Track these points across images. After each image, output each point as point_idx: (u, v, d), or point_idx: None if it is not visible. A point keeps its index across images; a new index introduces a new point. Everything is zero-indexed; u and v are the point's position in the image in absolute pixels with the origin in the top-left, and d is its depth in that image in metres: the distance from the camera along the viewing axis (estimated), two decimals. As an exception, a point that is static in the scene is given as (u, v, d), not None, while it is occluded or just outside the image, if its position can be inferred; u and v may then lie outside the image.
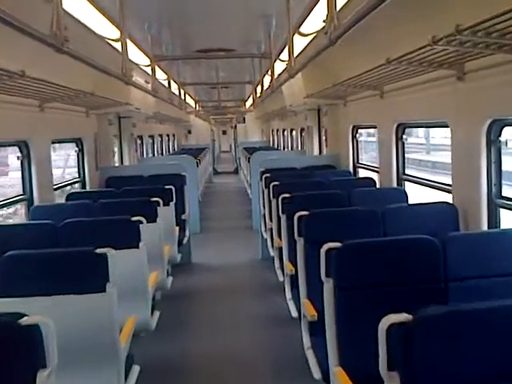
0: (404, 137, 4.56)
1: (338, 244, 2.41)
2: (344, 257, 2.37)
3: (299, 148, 10.45)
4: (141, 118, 9.16)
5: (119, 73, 4.39)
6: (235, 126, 21.61)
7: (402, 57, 3.12)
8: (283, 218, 4.05)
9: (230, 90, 9.92)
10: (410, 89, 4.13)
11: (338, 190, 4.28)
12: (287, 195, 4.09)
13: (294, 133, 12.05)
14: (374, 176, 5.60)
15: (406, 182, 4.64)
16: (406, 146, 4.59)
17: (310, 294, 3.09)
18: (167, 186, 5.29)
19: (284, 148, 13.78)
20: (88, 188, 6.02)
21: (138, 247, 3.42)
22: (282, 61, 6.32)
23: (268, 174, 5.92)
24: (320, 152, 8.42)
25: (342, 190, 4.29)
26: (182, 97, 8.47)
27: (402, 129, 4.58)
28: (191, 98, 9.66)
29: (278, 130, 15.33)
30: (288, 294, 3.85)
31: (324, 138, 7.33)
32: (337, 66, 5.68)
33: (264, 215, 6.06)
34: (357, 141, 6.18)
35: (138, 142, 10.11)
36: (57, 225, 3.48)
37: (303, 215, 3.25)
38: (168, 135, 15.07)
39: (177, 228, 5.43)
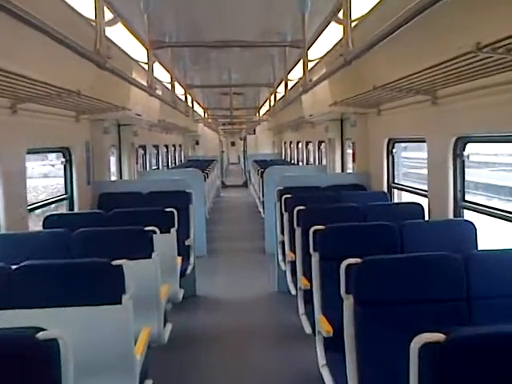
0: (465, 154, 3.64)
1: (358, 260, 2.38)
2: (364, 273, 2.35)
3: (316, 162, 9.53)
4: (143, 126, 8.30)
5: (115, 67, 3.56)
6: (245, 138, 20.75)
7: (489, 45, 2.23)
8: (298, 231, 4.00)
9: (242, 97, 9.01)
10: (474, 93, 3.23)
11: (381, 221, 3.36)
12: (302, 207, 4.01)
13: (309, 146, 11.17)
14: (413, 198, 4.70)
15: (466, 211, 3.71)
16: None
17: (325, 309, 3.04)
18: (168, 209, 4.39)
19: (298, 162, 12.87)
20: (76, 207, 5.13)
21: (150, 257, 3.41)
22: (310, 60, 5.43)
23: (288, 195, 5.02)
24: (342, 168, 7.51)
25: (382, 218, 3.49)
26: (189, 103, 7.58)
27: (462, 143, 3.66)
28: (199, 105, 8.77)
29: (291, 143, 14.44)
30: (301, 309, 3.79)
31: (351, 151, 6.42)
32: (372, 69, 4.80)
33: (283, 243, 5.13)
34: (393, 157, 5.25)
35: (141, 152, 9.26)
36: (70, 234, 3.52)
37: (319, 229, 3.21)
38: (174, 146, 14.21)
39: (179, 258, 4.52)
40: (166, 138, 11.98)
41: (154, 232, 3.65)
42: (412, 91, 3.72)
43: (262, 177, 9.18)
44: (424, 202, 4.29)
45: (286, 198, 4.95)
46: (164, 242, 4.06)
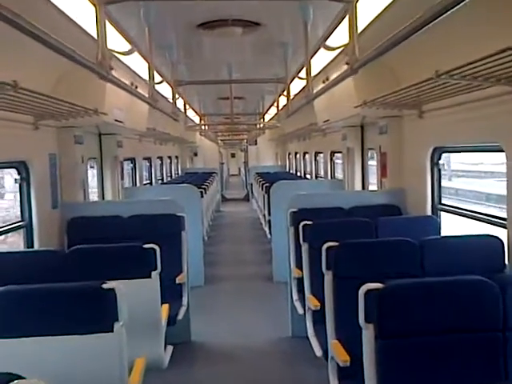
0: None
1: (379, 285, 2.13)
2: (386, 300, 2.11)
3: (328, 176, 8.42)
4: (131, 136, 7.21)
5: (91, 61, 2.65)
6: (246, 149, 19.68)
7: None
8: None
9: (243, 102, 7.86)
10: None
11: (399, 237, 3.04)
12: (308, 222, 3.80)
13: (318, 157, 10.07)
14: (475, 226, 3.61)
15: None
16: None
17: (339, 333, 2.81)
18: (148, 245, 3.26)
19: (305, 175, 11.77)
20: (37, 237, 4.00)
21: (150, 277, 3.13)
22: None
23: (308, 222, 3.93)
24: (363, 184, 6.40)
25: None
26: (181, 108, 6.44)
27: None
28: (194, 111, 7.60)
29: (296, 154, 13.34)
30: (310, 331, 3.55)
31: (376, 163, 5.32)
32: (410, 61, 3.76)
33: (301, 280, 4.03)
34: (439, 170, 4.14)
35: (130, 165, 8.15)
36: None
37: (332, 246, 3.02)
38: (170, 158, 13.11)
39: (165, 307, 3.41)
40: (159, 150, 10.88)
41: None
42: (490, 80, 2.63)
43: (267, 193, 8.07)
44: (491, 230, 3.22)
45: (305, 226, 3.87)
46: (141, 292, 3.00)
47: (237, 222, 12.69)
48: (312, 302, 3.44)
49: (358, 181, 6.40)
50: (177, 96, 5.90)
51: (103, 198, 6.08)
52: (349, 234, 3.23)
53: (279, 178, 10.85)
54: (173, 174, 13.51)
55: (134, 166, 8.17)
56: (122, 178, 6.36)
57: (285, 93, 5.84)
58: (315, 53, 4.78)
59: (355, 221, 3.93)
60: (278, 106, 5.61)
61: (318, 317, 3.24)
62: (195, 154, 17.12)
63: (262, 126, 7.35)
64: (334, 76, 5.03)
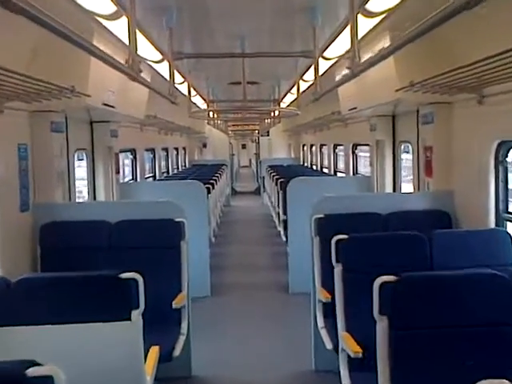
0: None
1: (392, 277, 2.15)
2: (401, 293, 2.15)
3: (350, 172, 7.55)
4: (130, 125, 6.40)
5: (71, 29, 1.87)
6: (258, 140, 18.81)
7: None
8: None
9: (257, 88, 6.93)
10: None
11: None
12: (342, 237, 3.14)
13: (337, 150, 9.21)
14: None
15: None
16: None
17: (349, 326, 2.83)
18: (127, 275, 2.41)
19: (321, 169, 10.90)
20: (-1, 246, 3.23)
21: (129, 318, 2.33)
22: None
23: (341, 236, 3.11)
24: (394, 181, 5.55)
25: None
26: (185, 91, 5.52)
27: None
28: (200, 96, 6.67)
29: (312, 146, 12.47)
30: (320, 323, 3.45)
31: (418, 160, 4.47)
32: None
33: (330, 307, 3.22)
34: (506, 169, 3.28)
35: (129, 157, 7.36)
36: None
37: (341, 239, 3.05)
38: (177, 149, 12.31)
39: (153, 351, 2.61)
40: (165, 141, 10.08)
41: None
42: None
43: (282, 190, 7.24)
44: None
45: (338, 242, 3.07)
46: (117, 339, 2.21)
47: (248, 218, 11.86)
48: (322, 295, 3.40)
49: (389, 179, 5.54)
50: (178, 75, 5.03)
51: (94, 197, 5.29)
52: (397, 253, 2.97)
53: (294, 172, 10.02)
54: (180, 167, 12.72)
55: (135, 158, 7.37)
56: (118, 172, 5.56)
57: (306, 76, 4.98)
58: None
59: (404, 236, 3.15)
60: (298, 90, 4.73)
61: (329, 309, 3.26)
62: (204, 146, 16.30)
63: (278, 113, 6.48)
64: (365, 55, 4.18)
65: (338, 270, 2.98)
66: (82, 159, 5.11)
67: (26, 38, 3.14)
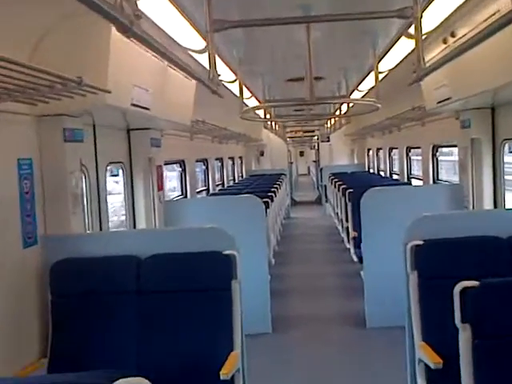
0: None
1: (475, 283, 2.06)
2: (484, 299, 2.05)
3: (430, 179, 6.41)
4: (176, 133, 5.64)
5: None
6: (318, 146, 17.77)
7: None
8: (413, 276, 2.83)
9: (323, 84, 5.94)
10: None
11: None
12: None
13: (410, 153, 8.06)
14: None
15: None
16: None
17: (427, 335, 2.60)
18: None
19: (391, 175, 9.74)
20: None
21: None
22: None
23: (468, 282, 2.14)
24: (495, 192, 4.42)
25: None
26: (235, 88, 4.64)
27: None
28: (252, 93, 5.65)
29: (378, 150, 11.32)
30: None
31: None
32: None
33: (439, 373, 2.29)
34: None
35: (177, 170, 6.63)
36: None
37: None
38: (232, 159, 11.55)
39: None
40: (219, 150, 9.33)
41: None
42: None
43: (351, 201, 6.23)
44: None
45: (464, 291, 2.13)
46: None
47: (310, 232, 10.84)
48: (428, 355, 2.86)
49: (488, 187, 4.41)
50: (226, 68, 4.17)
51: (134, 220, 4.54)
52: (477, 257, 2.67)
53: (360, 180, 8.95)
54: (236, 178, 11.95)
55: (184, 170, 6.62)
56: (161, 189, 4.79)
57: (386, 60, 3.95)
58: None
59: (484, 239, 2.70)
60: (376, 78, 3.72)
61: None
62: (262, 154, 15.47)
63: (347, 110, 5.50)
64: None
65: (412, 277, 2.73)
66: (115, 174, 4.37)
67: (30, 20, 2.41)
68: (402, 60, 4.26)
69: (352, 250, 6.08)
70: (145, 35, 2.01)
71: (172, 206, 4.89)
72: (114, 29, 1.88)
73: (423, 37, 3.67)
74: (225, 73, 4.49)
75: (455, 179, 5.73)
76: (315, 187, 19.31)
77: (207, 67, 2.63)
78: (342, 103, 4.52)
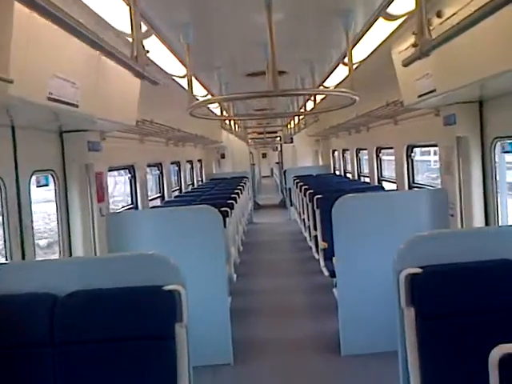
0: None
1: (418, 270, 2.13)
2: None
3: (405, 183, 5.93)
4: (116, 133, 4.92)
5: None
6: (281, 148, 17.26)
7: None
8: (409, 312, 2.34)
9: (285, 78, 5.38)
10: None
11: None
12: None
13: (381, 154, 7.60)
14: None
15: None
16: None
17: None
18: None
19: (359, 177, 9.28)
20: None
21: None
22: None
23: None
24: (486, 197, 3.95)
25: None
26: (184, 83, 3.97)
27: None
28: (206, 89, 4.91)
29: (344, 152, 10.87)
30: None
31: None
32: None
33: None
34: None
35: (126, 176, 5.91)
36: None
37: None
38: (191, 162, 10.86)
39: None
40: (175, 153, 8.62)
41: None
42: None
43: (320, 208, 5.68)
44: None
45: None
46: None
47: (275, 239, 10.26)
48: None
49: (478, 192, 3.93)
50: (173, 58, 3.52)
51: (69, 239, 3.83)
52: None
53: (327, 183, 8.44)
54: (195, 182, 11.26)
55: (133, 176, 5.91)
56: (102, 200, 4.08)
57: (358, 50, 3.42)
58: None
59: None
60: (350, 65, 3.12)
61: None
62: (222, 156, 14.83)
63: (318, 102, 4.92)
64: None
65: (409, 313, 2.21)
66: (43, 185, 3.64)
67: None
68: (379, 46, 3.73)
69: (322, 263, 5.52)
70: (50, 6, 1.36)
71: (116, 219, 4.18)
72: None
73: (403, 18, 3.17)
74: (174, 66, 3.84)
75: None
76: (279, 190, 18.81)
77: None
78: (310, 95, 3.93)
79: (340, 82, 5.08)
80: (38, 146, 3.51)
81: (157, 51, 3.35)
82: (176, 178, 9.42)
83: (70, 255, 3.85)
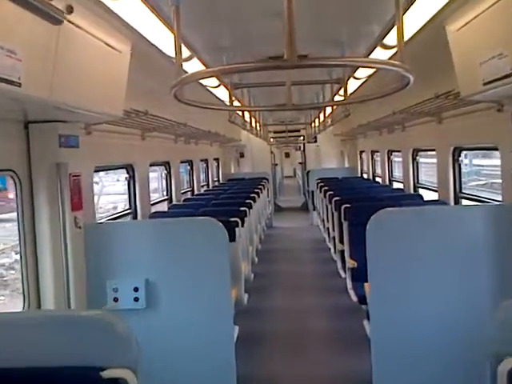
0: None
1: None
2: None
3: (450, 191, 4.98)
4: (109, 127, 4.12)
5: None
6: (303, 148, 16.34)
7: None
8: None
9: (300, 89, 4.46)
10: None
11: None
12: None
13: (418, 157, 6.66)
14: None
15: None
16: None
17: None
18: None
19: (390, 182, 8.33)
20: None
21: None
22: None
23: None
24: None
25: None
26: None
27: None
28: (221, 83, 4.05)
29: (373, 153, 9.93)
30: None
31: None
32: None
33: None
34: None
35: (125, 176, 5.13)
36: None
37: None
38: (206, 161, 10.07)
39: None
40: (186, 151, 7.84)
41: None
42: None
43: (347, 219, 4.79)
44: None
45: None
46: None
47: (295, 247, 9.35)
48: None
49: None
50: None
51: (35, 253, 3.07)
52: None
53: (356, 189, 7.52)
54: (211, 182, 10.47)
55: (132, 177, 5.12)
56: (78, 207, 3.28)
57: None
58: None
59: None
60: (401, 34, 2.31)
61: None
62: (241, 155, 14.00)
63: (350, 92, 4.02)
64: None
65: None
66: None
67: None
68: (428, 22, 2.85)
69: (349, 284, 4.65)
70: None
71: (95, 232, 3.39)
72: None
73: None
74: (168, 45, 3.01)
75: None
76: (301, 191, 17.91)
77: None
78: (344, 65, 2.99)
79: (373, 74, 4.21)
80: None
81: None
82: (189, 178, 8.66)
83: (38, 290, 3.09)
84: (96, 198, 4.58)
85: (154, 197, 8.68)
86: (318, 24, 3.27)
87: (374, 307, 3.30)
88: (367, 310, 3.62)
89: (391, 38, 3.19)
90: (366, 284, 3.52)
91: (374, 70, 4.20)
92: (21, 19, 1.99)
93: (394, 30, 3.02)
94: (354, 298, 4.35)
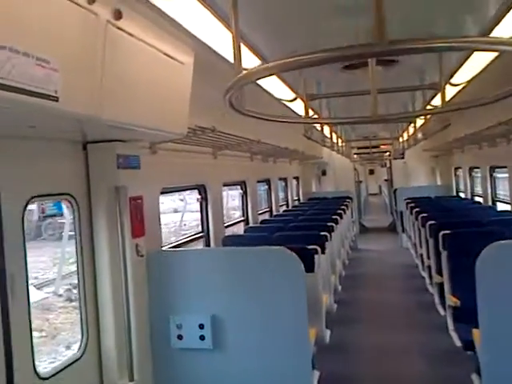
0: None
1: None
2: None
3: None
4: (176, 146, 3.84)
5: None
6: (390, 164, 15.44)
7: None
8: None
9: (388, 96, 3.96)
10: None
11: None
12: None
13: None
14: None
15: None
16: None
17: None
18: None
19: (493, 203, 7.37)
20: None
21: None
22: None
23: None
24: None
25: None
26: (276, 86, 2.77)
27: None
28: (287, 85, 3.70)
29: (471, 169, 8.96)
30: None
31: None
32: None
33: None
34: None
35: (197, 198, 4.85)
36: None
37: None
38: (285, 180, 9.67)
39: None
40: (264, 170, 7.49)
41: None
42: None
43: (447, 249, 4.11)
44: None
45: None
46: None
47: (383, 272, 8.56)
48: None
49: None
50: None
51: (95, 284, 2.81)
52: None
53: (451, 209, 6.72)
54: (290, 202, 10.03)
55: (205, 198, 4.83)
56: (140, 234, 2.99)
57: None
58: None
59: None
60: None
61: None
62: (323, 173, 13.44)
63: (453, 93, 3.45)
64: None
65: None
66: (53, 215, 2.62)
67: None
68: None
69: (451, 325, 3.96)
70: None
71: (159, 261, 3.08)
72: None
73: None
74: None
75: None
76: (388, 210, 16.92)
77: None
78: (468, 49, 2.39)
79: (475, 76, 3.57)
80: (45, 162, 2.51)
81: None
82: (268, 198, 8.30)
83: (97, 324, 2.82)
84: (179, 215, 4.37)
85: (236, 215, 8.41)
86: (408, 9, 2.74)
87: (488, 361, 2.65)
88: (476, 361, 2.98)
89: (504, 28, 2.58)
90: (474, 330, 2.89)
91: (475, 72, 3.58)
92: (56, 26, 1.70)
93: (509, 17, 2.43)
94: (458, 343, 3.67)
